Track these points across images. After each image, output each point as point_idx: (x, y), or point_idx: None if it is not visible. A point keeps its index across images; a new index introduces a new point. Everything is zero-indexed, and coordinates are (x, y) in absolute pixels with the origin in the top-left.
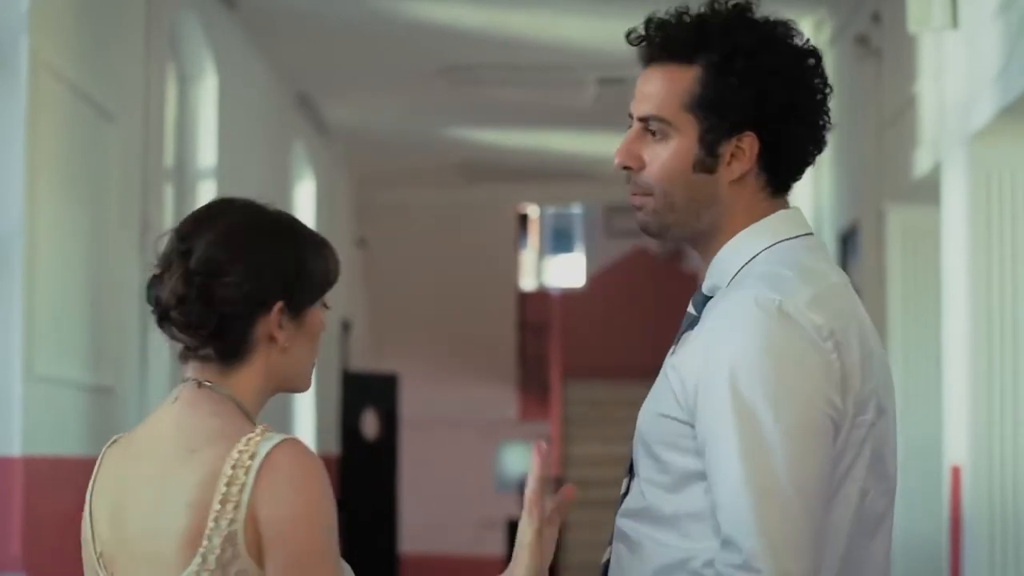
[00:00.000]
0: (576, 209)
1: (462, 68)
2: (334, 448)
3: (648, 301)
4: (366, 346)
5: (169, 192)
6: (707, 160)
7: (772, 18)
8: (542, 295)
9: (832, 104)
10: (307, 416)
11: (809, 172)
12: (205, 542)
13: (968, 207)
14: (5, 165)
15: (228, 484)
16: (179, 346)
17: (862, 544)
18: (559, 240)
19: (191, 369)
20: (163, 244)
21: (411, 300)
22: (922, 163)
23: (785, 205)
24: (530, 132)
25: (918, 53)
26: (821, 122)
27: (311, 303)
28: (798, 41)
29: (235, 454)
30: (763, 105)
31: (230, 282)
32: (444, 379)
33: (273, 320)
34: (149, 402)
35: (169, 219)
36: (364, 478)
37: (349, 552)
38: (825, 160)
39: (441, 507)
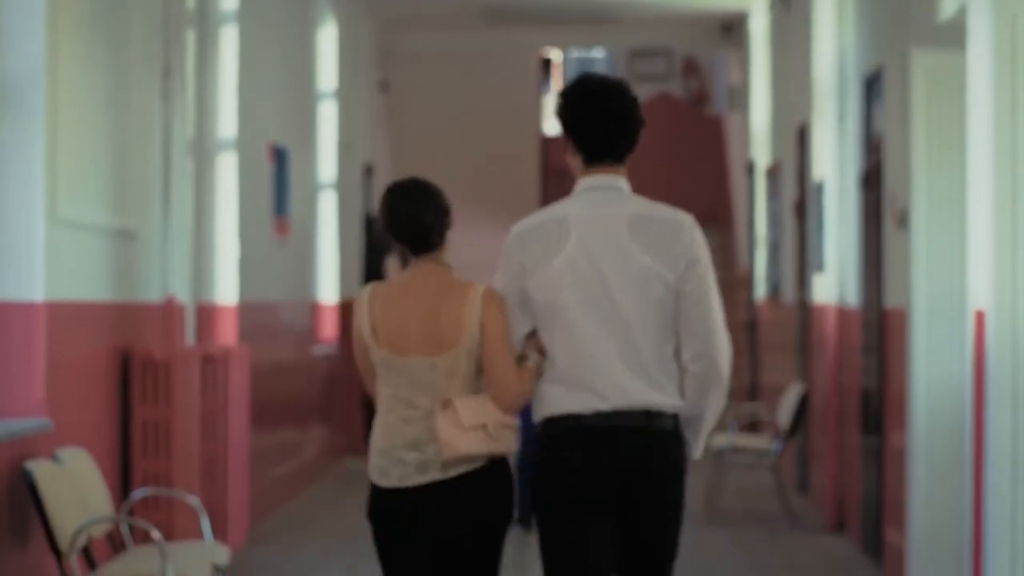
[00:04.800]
0: (599, 53)
1: None
2: (357, 292)
3: (672, 145)
4: None
5: (191, 36)
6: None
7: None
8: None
9: None
10: (330, 260)
11: (833, 16)
12: (467, 327)
13: (993, 50)
14: (25, 6)
15: (471, 306)
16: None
17: None
18: None
19: (421, 258)
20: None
21: (434, 144)
22: (947, 6)
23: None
24: None
25: None
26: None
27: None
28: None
29: (471, 294)
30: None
31: (434, 234)
32: (467, 224)
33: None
34: (171, 247)
35: (191, 64)
36: None
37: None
38: (849, 3)
39: None
